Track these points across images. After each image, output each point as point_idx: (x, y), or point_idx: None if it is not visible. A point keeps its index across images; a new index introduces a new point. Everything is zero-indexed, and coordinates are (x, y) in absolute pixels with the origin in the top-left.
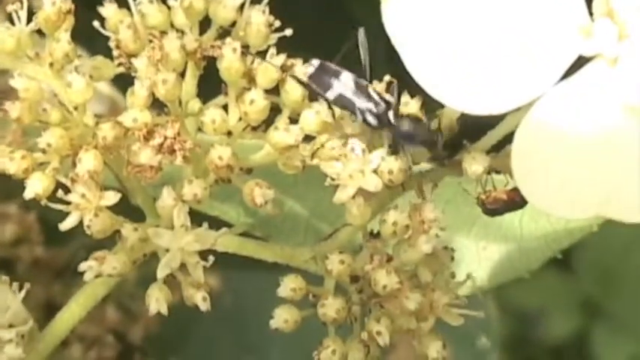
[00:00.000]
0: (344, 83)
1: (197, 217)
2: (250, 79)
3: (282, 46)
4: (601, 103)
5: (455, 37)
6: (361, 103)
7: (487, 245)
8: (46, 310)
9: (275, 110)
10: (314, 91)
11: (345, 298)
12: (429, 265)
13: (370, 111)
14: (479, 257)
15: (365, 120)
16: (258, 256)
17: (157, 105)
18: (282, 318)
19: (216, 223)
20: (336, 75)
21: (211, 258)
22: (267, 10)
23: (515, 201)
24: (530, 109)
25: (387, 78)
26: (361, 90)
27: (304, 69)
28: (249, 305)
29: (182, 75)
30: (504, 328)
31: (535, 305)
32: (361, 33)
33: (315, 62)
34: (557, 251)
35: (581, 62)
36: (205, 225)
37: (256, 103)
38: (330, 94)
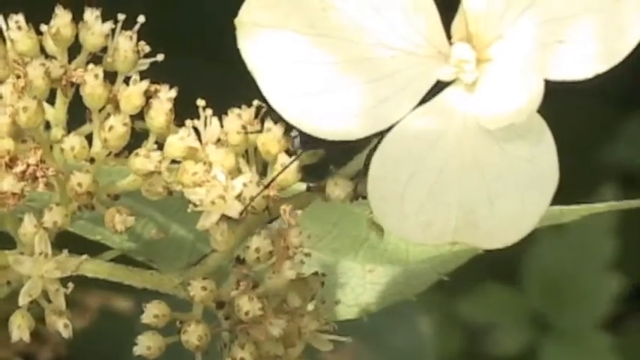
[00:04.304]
0: None
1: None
2: (116, 105)
3: None
4: (458, 127)
5: (308, 65)
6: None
7: (374, 268)
8: None
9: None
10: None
11: (214, 324)
12: (299, 291)
13: None
14: (365, 281)
15: None
16: (128, 281)
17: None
18: (145, 345)
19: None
20: None
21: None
22: (135, 36)
23: None
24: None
25: (255, 102)
26: None
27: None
28: None
29: (52, 102)
30: (452, 342)
31: (484, 319)
32: None
33: (295, 133)
34: (443, 274)
35: (440, 86)
36: (65, 251)
37: (115, 129)
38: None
